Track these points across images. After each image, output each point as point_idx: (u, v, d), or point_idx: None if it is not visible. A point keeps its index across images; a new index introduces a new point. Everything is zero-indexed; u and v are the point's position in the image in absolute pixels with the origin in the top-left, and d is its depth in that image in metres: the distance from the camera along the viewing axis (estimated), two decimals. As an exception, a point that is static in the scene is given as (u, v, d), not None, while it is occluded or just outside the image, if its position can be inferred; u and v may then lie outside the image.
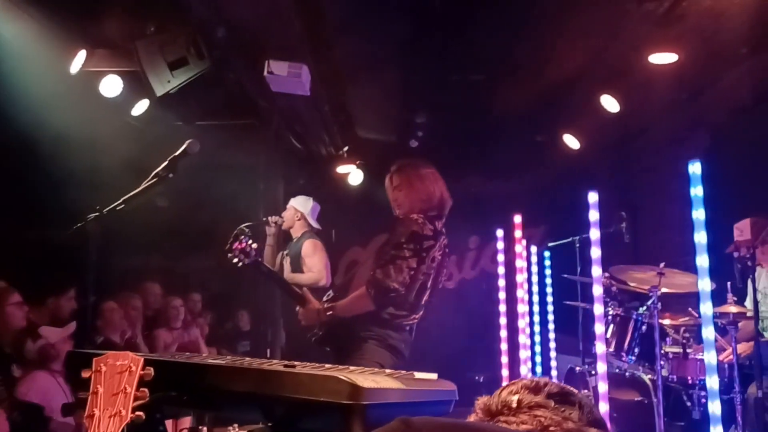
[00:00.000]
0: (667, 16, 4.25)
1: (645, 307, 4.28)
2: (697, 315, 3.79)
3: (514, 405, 1.01)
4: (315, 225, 4.89)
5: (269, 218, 4.61)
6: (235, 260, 3.25)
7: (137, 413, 1.41)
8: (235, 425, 3.35)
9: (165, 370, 1.58)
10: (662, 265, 4.11)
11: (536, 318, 5.89)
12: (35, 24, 3.94)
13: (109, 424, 1.35)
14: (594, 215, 3.47)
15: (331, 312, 3.11)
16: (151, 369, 1.49)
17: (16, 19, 3.86)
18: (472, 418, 1.05)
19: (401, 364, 2.98)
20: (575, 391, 1.06)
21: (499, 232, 5.33)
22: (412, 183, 3.30)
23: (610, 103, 5.39)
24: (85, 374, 1.43)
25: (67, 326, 3.65)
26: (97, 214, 2.69)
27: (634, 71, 4.98)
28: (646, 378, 4.21)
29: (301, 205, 4.88)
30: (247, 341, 6.64)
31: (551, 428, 0.96)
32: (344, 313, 3.09)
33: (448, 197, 3.38)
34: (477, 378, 6.36)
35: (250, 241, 3.24)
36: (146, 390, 1.45)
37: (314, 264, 4.72)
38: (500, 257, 5.27)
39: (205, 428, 3.71)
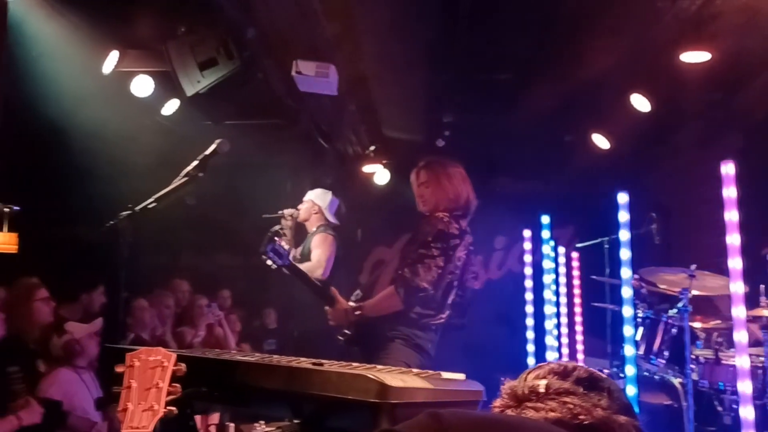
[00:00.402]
0: (700, 14, 4.18)
1: (675, 310, 4.21)
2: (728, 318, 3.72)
3: (542, 390, 0.99)
4: (332, 219, 4.80)
5: (284, 211, 4.57)
6: (269, 262, 3.27)
7: (170, 408, 1.44)
8: (262, 422, 3.39)
9: (196, 366, 1.61)
10: (693, 267, 4.04)
11: (563, 320, 5.83)
12: (70, 25, 4.02)
13: (142, 418, 1.38)
14: (624, 216, 3.43)
15: (359, 312, 3.12)
16: (183, 365, 1.51)
17: (52, 19, 3.95)
18: (497, 402, 1.04)
19: (427, 364, 2.98)
20: (604, 376, 1.04)
21: (527, 233, 5.29)
22: (439, 180, 3.30)
23: (640, 103, 5.31)
24: (119, 369, 1.46)
25: (93, 322, 3.69)
26: (129, 212, 2.75)
27: (665, 70, 4.90)
28: (676, 381, 4.14)
29: (319, 198, 4.80)
30: (273, 339, 6.69)
31: (581, 416, 0.94)
32: (372, 312, 3.10)
33: (473, 197, 3.37)
34: (503, 379, 6.31)
35: (283, 243, 3.27)
36: (178, 385, 1.48)
37: (316, 256, 4.62)
38: (527, 258, 5.23)
39: (232, 425, 3.77)
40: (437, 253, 3.05)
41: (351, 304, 3.23)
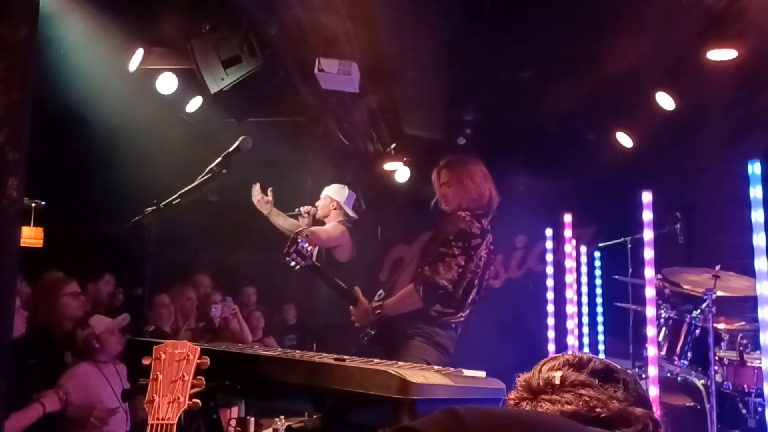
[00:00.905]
0: (727, 11, 4.12)
1: (699, 311, 4.16)
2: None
3: (557, 382, 0.98)
4: (351, 213, 4.76)
5: (301, 209, 4.55)
6: (293, 263, 3.29)
7: (194, 400, 1.46)
8: (282, 417, 3.41)
9: (219, 359, 1.63)
10: (718, 267, 3.99)
11: (585, 320, 5.79)
12: (97, 23, 4.08)
13: (168, 410, 1.40)
14: (648, 215, 3.39)
15: (379, 311, 3.13)
16: (207, 358, 1.54)
17: (80, 17, 4.01)
18: (513, 395, 1.03)
19: (447, 362, 2.98)
20: (619, 367, 1.03)
21: (548, 232, 5.25)
22: (461, 180, 3.28)
23: (665, 101, 5.25)
24: (145, 361, 1.48)
25: (119, 318, 3.73)
26: (154, 207, 2.79)
27: (691, 68, 4.84)
28: (699, 383, 4.10)
29: (336, 193, 4.76)
30: (293, 335, 6.74)
31: (597, 409, 0.94)
32: (393, 311, 3.10)
33: (496, 195, 3.36)
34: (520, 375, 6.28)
35: (306, 245, 3.28)
36: (203, 378, 1.50)
37: (327, 231, 4.46)
38: (549, 257, 5.20)
39: (252, 419, 3.80)
40: (458, 252, 3.04)
41: (373, 304, 3.24)
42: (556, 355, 1.07)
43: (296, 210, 4.61)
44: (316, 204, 4.70)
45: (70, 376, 3.41)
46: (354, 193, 4.91)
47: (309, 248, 3.28)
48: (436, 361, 2.92)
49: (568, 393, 0.97)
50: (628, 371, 1.05)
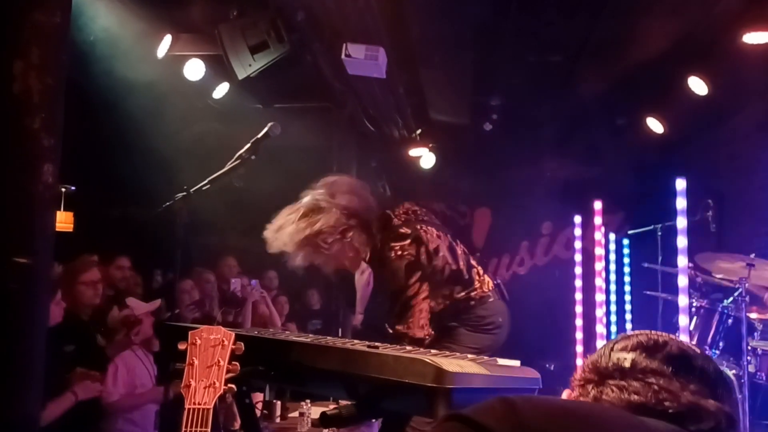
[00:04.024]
0: (765, -8, 4.00)
1: (731, 299, 4.09)
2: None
3: (627, 365, 0.92)
4: None
5: None
6: None
7: (229, 385, 1.47)
8: (308, 401, 3.43)
9: (253, 345, 1.64)
10: (753, 255, 3.91)
11: (613, 308, 5.73)
12: (126, 10, 4.10)
13: (205, 395, 1.41)
14: (681, 203, 3.32)
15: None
16: (241, 343, 1.54)
17: (108, 4, 4.04)
18: (578, 375, 0.97)
19: (502, 341, 2.82)
20: (698, 352, 0.95)
21: (577, 218, 5.19)
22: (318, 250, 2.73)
23: (698, 86, 5.13)
24: (181, 346, 1.49)
25: (152, 302, 3.77)
26: (184, 193, 2.80)
27: (725, 51, 4.72)
28: (731, 373, 4.03)
29: None
30: (317, 320, 6.76)
31: (666, 402, 0.88)
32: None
33: (362, 200, 2.79)
34: (548, 366, 6.25)
35: None
36: (237, 363, 1.51)
37: None
38: (577, 244, 5.14)
39: (279, 402, 3.82)
40: (417, 287, 2.61)
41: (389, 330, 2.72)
42: (630, 333, 0.99)
43: None
44: None
45: (118, 364, 3.43)
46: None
47: None
48: (488, 344, 2.76)
49: (637, 381, 0.91)
50: (710, 356, 0.98)
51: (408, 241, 2.69)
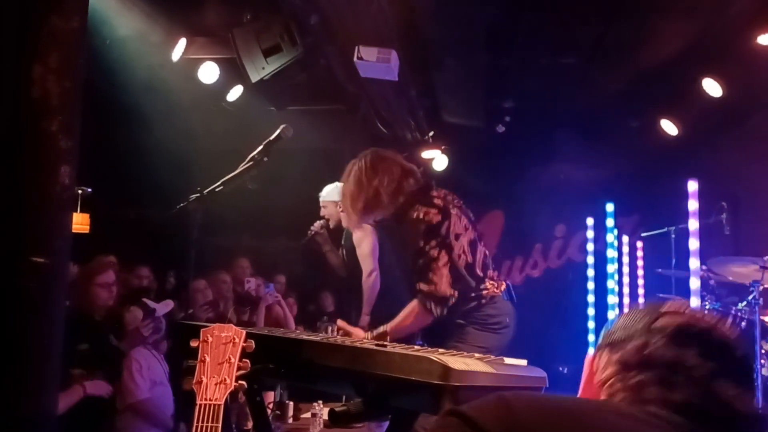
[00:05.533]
0: (779, -7, 3.98)
1: (745, 303, 4.06)
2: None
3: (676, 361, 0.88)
4: None
5: (313, 228, 4.41)
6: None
7: (240, 382, 1.50)
8: (320, 401, 3.46)
9: (264, 343, 1.66)
10: (767, 258, 3.88)
11: (626, 310, 5.70)
12: (141, 13, 4.17)
13: (216, 391, 1.44)
14: (693, 205, 3.32)
15: (388, 336, 2.71)
16: (252, 341, 1.57)
17: (124, 8, 4.10)
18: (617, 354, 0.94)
19: (509, 341, 2.84)
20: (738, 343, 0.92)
21: (590, 221, 5.18)
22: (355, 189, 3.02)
23: (712, 87, 5.11)
24: (193, 344, 1.53)
25: (165, 302, 3.81)
26: (197, 194, 2.84)
27: (740, 53, 4.70)
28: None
29: (337, 194, 4.34)
30: (331, 322, 6.78)
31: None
32: (402, 333, 2.76)
33: (403, 171, 3.03)
34: (562, 369, 6.24)
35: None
36: (248, 361, 1.54)
37: (362, 256, 4.32)
38: (590, 246, 5.13)
39: (291, 403, 3.85)
40: (436, 252, 2.68)
41: (374, 333, 2.80)
42: (666, 307, 0.95)
43: (309, 233, 4.44)
44: (322, 214, 4.44)
45: (132, 359, 3.48)
46: None
47: None
48: (495, 344, 2.77)
49: (683, 378, 0.86)
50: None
51: (435, 210, 2.78)
